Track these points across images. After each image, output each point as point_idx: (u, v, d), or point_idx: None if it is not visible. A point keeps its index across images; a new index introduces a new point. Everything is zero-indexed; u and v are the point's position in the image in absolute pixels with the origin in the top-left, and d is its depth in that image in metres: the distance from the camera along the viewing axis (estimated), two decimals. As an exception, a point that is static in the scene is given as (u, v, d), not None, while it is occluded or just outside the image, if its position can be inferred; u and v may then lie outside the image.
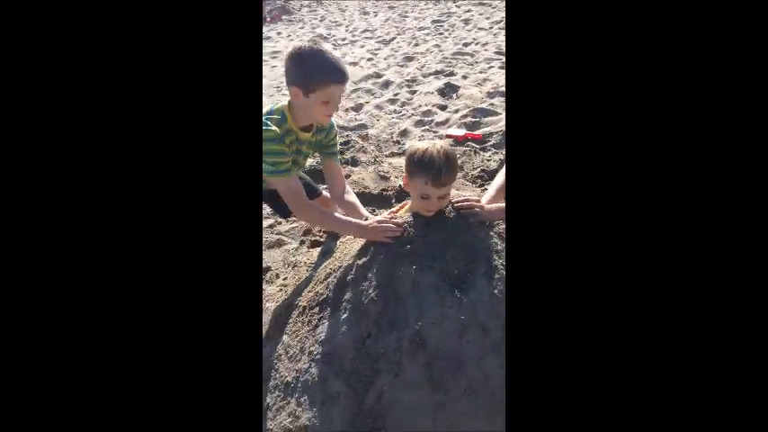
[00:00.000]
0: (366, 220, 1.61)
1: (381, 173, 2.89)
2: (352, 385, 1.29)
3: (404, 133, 3.43)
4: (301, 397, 1.37)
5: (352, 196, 1.74)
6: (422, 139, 1.66)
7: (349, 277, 1.46)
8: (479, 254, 1.37)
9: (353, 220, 1.55)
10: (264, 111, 1.57)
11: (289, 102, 1.55)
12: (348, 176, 2.79)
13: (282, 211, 1.96)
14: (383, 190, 2.67)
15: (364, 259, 1.44)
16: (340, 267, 1.53)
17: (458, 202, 1.45)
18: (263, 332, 1.66)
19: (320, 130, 1.65)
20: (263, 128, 1.48)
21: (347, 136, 3.46)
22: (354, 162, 3.10)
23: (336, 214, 1.63)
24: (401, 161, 3.07)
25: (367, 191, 2.64)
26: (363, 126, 3.63)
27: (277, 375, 1.48)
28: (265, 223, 2.45)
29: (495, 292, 1.31)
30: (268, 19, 8.67)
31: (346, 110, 3.98)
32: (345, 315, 1.39)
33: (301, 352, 1.45)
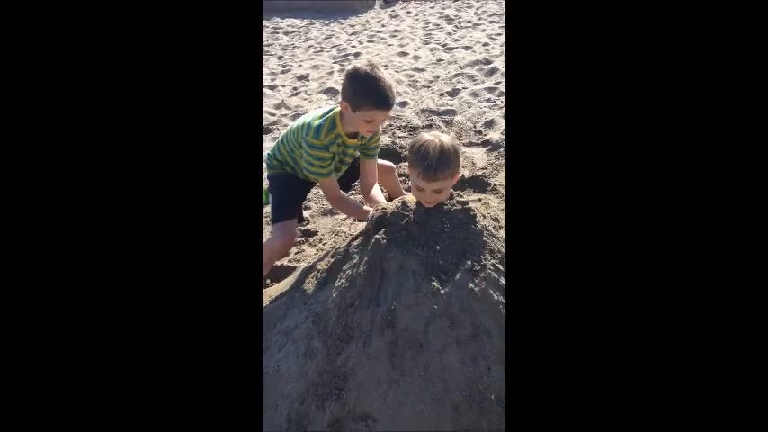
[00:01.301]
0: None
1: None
2: (328, 346, 1.42)
3: (489, 124, 3.38)
4: (292, 345, 1.54)
5: (377, 194, 1.90)
6: (431, 131, 1.69)
7: (352, 250, 1.58)
8: (470, 250, 1.39)
9: (364, 208, 1.79)
10: (321, 112, 1.77)
11: (340, 111, 1.71)
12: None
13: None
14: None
15: (365, 235, 1.55)
16: (354, 240, 1.66)
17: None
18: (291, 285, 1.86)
19: (372, 138, 1.82)
20: (314, 138, 1.70)
21: (431, 120, 3.51)
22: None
23: (355, 204, 1.85)
24: (475, 151, 3.06)
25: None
26: (452, 112, 3.64)
27: (284, 321, 1.67)
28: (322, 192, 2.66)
29: (475, 289, 1.33)
30: (402, -4, 8.81)
31: (441, 94, 4.01)
32: (338, 283, 1.52)
33: (304, 305, 1.62)
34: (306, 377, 1.42)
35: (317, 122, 1.73)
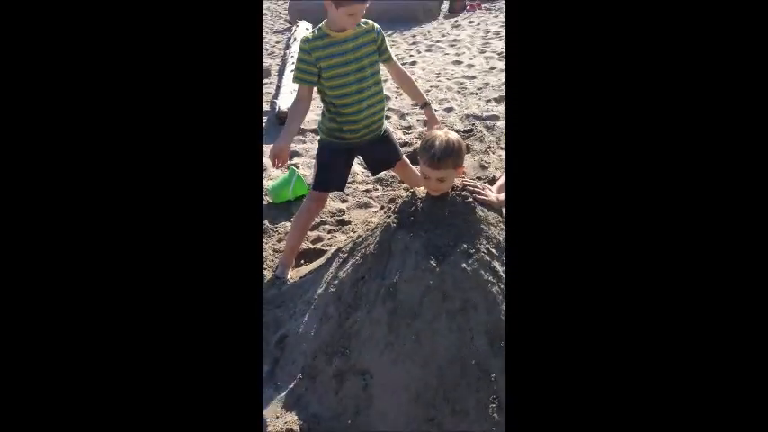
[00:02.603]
0: (424, 102, 2.15)
1: (484, 162, 3.06)
2: (340, 312, 1.65)
3: (530, 130, 3.47)
4: (312, 312, 1.78)
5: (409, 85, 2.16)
6: (441, 129, 1.84)
7: (368, 233, 1.79)
8: (466, 235, 1.56)
9: (288, 133, 1.96)
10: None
11: (326, 20, 1.93)
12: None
13: (372, 168, 2.36)
14: (477, 178, 2.86)
15: (383, 220, 1.76)
16: (375, 226, 1.87)
17: (469, 185, 1.65)
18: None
19: (365, 32, 1.94)
20: (303, 42, 1.91)
21: (474, 125, 3.66)
22: (467, 149, 3.31)
23: (294, 126, 2.00)
24: (511, 155, 3.18)
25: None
26: (495, 117, 3.76)
27: (308, 293, 1.91)
28: (361, 187, 2.89)
29: (467, 268, 1.50)
30: (468, 6, 8.93)
31: (488, 101, 4.14)
32: (353, 260, 1.74)
33: (326, 280, 1.86)
34: (319, 337, 1.65)
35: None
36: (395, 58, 2.08)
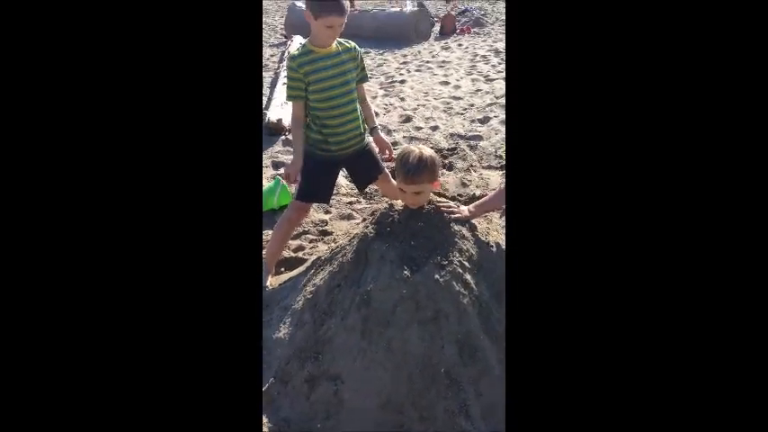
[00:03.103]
0: (373, 125, 2.19)
1: (465, 180, 3.14)
2: (315, 318, 1.68)
3: (511, 151, 3.57)
4: (288, 318, 1.81)
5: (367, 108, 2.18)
6: (417, 144, 1.92)
7: (347, 243, 1.84)
8: (440, 248, 1.61)
9: (298, 154, 2.07)
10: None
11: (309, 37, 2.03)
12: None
13: (358, 182, 2.42)
14: (458, 195, 2.93)
15: (362, 231, 1.81)
16: (353, 236, 1.92)
17: (441, 204, 1.72)
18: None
19: (346, 50, 2.03)
20: (289, 60, 2.00)
21: (457, 143, 3.75)
22: (450, 167, 3.39)
23: (300, 145, 2.08)
24: (492, 173, 3.26)
25: (445, 193, 2.93)
26: (479, 137, 3.86)
27: (286, 300, 1.94)
28: (345, 199, 2.95)
29: (440, 279, 1.55)
30: (458, 30, 9.15)
31: (472, 121, 4.25)
32: (331, 268, 1.78)
33: (304, 287, 1.89)
34: (294, 343, 1.68)
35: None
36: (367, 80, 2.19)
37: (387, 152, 2.25)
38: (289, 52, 5.96)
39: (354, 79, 2.06)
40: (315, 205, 2.88)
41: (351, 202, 2.94)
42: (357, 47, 2.08)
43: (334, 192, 3.05)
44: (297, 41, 6.42)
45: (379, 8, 10.04)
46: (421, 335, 1.51)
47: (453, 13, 9.68)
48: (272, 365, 1.69)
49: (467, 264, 1.61)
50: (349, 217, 2.77)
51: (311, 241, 2.56)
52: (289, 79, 2.01)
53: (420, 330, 1.51)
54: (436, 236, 1.64)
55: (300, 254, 2.42)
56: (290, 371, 1.61)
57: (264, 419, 1.52)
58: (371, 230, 1.73)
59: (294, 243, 2.52)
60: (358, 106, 2.11)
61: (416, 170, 1.58)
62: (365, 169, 2.25)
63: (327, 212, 2.85)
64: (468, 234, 1.69)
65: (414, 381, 1.46)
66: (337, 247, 2.00)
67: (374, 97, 5.08)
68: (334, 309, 1.65)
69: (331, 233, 2.61)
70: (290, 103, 2.09)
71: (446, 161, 3.48)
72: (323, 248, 2.44)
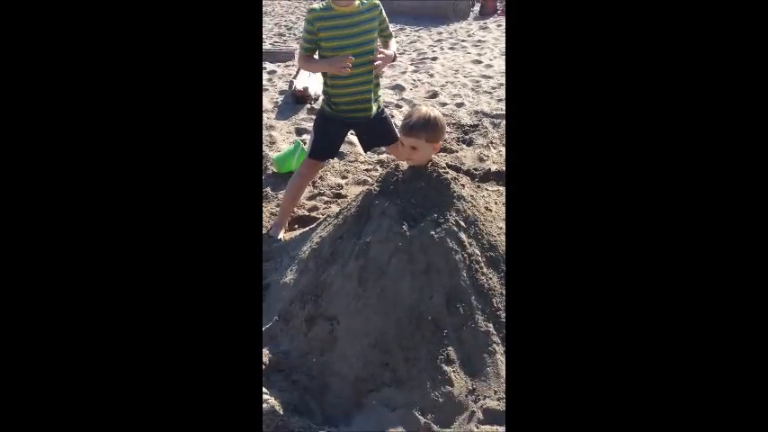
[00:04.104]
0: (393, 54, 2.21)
1: (483, 156, 3.19)
2: (318, 265, 1.81)
3: (533, 130, 3.58)
4: (295, 266, 1.95)
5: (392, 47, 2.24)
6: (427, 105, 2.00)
7: (352, 200, 1.95)
8: (439, 206, 1.71)
9: (322, 61, 2.13)
10: None
11: None
12: (454, 152, 3.22)
13: (364, 144, 2.53)
14: (474, 169, 2.99)
15: (368, 188, 1.92)
16: (359, 193, 2.03)
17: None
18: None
19: (369, 8, 2.09)
20: (308, 12, 2.09)
21: (480, 120, 3.78)
22: (470, 142, 3.44)
23: (316, 61, 2.18)
24: (511, 151, 3.30)
25: (461, 166, 3.00)
26: (503, 116, 3.88)
27: (295, 250, 2.08)
28: (362, 167, 3.06)
29: (435, 236, 1.65)
30: (499, 11, 9.00)
31: (499, 100, 4.25)
32: (336, 221, 1.90)
33: (311, 240, 2.02)
34: (297, 287, 1.82)
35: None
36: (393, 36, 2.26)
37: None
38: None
39: (373, 41, 2.12)
40: (331, 170, 3.01)
41: (367, 170, 3.04)
42: (378, 2, 2.12)
43: (352, 159, 3.17)
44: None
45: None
46: (412, 285, 1.61)
47: (495, -7, 9.52)
48: (277, 307, 1.83)
49: (462, 223, 1.70)
50: (364, 183, 2.88)
51: (326, 203, 2.68)
52: (303, 31, 2.11)
53: (411, 280, 1.62)
54: (436, 196, 1.73)
55: (314, 213, 2.56)
56: (292, 311, 1.75)
57: (266, 351, 1.66)
58: (376, 188, 1.84)
59: (309, 203, 2.65)
60: (371, 79, 2.15)
61: (416, 124, 1.67)
62: (374, 136, 2.36)
63: (344, 177, 2.97)
64: (467, 196, 1.77)
65: (402, 325, 1.57)
66: (346, 204, 2.12)
67: (403, 72, 5.13)
68: (336, 257, 1.77)
69: (345, 196, 2.73)
70: (318, 74, 2.21)
71: (467, 137, 3.53)
72: (335, 209, 2.56)
